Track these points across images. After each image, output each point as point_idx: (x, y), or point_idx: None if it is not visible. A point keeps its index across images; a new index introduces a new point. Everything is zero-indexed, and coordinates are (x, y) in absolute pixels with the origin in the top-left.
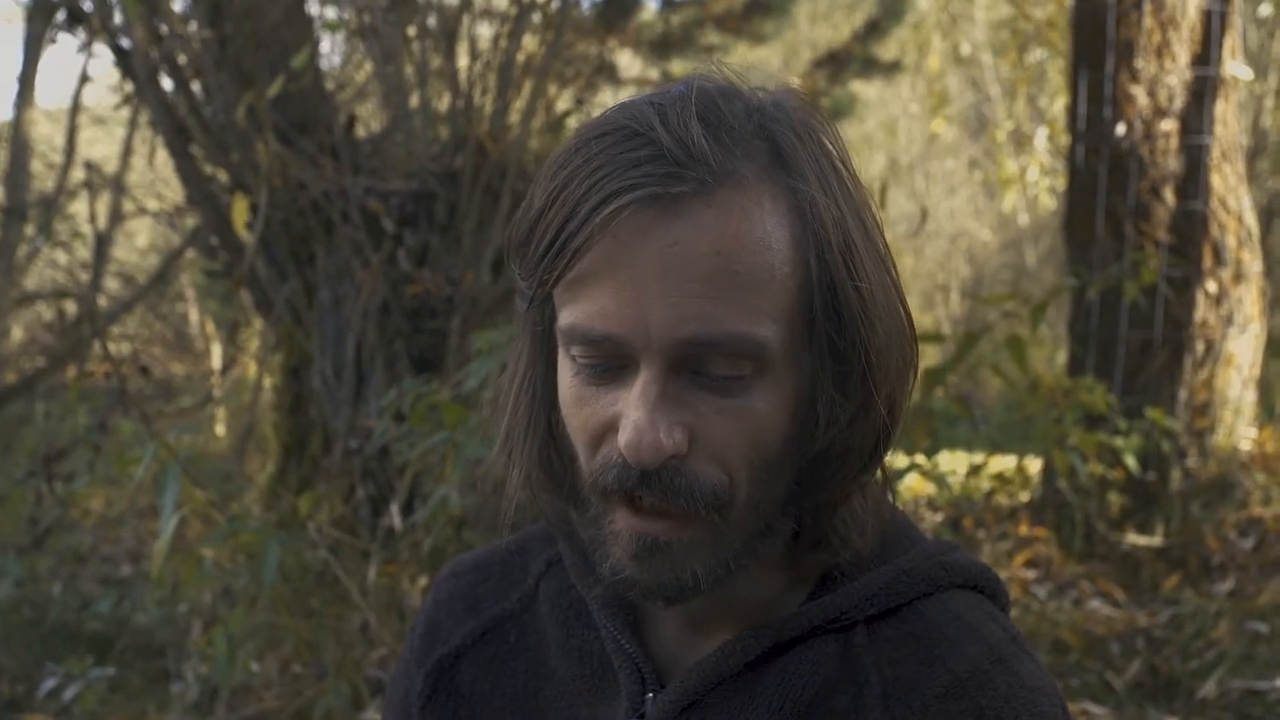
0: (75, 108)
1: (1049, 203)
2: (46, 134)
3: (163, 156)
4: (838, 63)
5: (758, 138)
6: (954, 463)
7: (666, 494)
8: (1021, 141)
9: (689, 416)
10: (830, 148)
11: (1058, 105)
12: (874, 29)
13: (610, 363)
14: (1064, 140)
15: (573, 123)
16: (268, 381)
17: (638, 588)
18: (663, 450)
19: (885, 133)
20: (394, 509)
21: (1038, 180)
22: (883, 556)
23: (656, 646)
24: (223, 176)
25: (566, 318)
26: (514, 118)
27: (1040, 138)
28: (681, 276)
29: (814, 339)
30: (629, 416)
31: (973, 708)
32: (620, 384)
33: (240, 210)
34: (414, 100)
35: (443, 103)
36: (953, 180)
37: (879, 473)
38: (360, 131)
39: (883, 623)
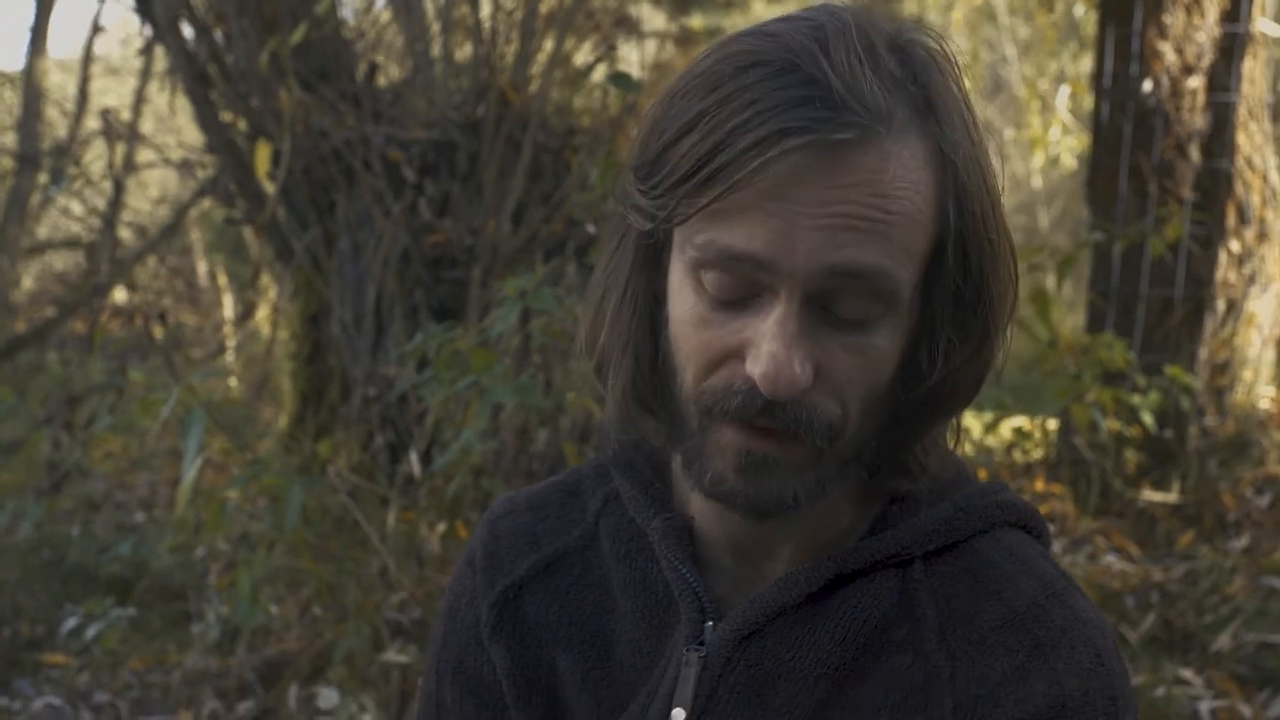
0: (88, 56)
1: (1070, 164)
2: (58, 83)
3: (178, 105)
4: None
5: (911, 82)
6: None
7: (787, 423)
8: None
9: (817, 352)
10: (963, 93)
11: (1080, 65)
12: None
13: (742, 292)
14: (1085, 100)
15: (601, 71)
16: (285, 331)
17: (737, 499)
18: (797, 385)
19: None
20: (413, 456)
21: (1059, 140)
22: (940, 494)
23: (716, 578)
24: (242, 124)
25: (704, 235)
26: (536, 68)
27: (1062, 97)
28: (836, 211)
29: (939, 283)
30: (763, 347)
31: (1029, 639)
32: (749, 311)
33: (263, 157)
34: (435, 49)
35: (464, 52)
36: None
37: None
38: (382, 80)
39: (939, 558)
